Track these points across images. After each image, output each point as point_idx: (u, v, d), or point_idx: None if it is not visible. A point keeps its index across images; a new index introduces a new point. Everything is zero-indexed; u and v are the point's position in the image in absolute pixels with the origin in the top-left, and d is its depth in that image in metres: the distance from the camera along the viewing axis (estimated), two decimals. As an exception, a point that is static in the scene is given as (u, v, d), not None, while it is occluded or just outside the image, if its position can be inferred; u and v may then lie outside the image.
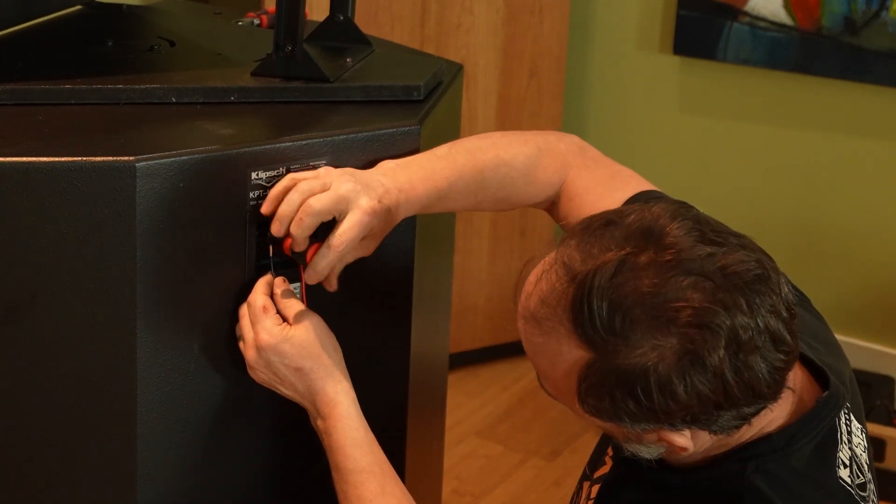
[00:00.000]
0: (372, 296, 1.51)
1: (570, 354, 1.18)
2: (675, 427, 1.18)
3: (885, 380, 3.14)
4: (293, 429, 1.51)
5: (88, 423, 1.38)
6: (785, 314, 1.18)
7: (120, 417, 1.38)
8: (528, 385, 3.39)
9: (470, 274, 3.35)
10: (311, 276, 1.36)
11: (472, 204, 1.48)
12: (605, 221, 1.21)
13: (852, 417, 1.32)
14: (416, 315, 1.58)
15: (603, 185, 1.48)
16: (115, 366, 1.36)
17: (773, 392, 1.19)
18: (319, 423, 1.39)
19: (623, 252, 1.16)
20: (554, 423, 3.20)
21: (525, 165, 1.49)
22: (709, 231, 1.18)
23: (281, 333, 1.36)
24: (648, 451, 1.25)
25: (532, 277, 1.22)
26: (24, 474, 1.39)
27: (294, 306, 1.39)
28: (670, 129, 3.43)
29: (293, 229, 1.33)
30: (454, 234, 1.98)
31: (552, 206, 1.54)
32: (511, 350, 3.51)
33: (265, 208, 1.36)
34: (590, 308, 1.15)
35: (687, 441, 1.20)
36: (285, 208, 1.33)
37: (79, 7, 1.92)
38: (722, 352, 1.13)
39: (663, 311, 1.13)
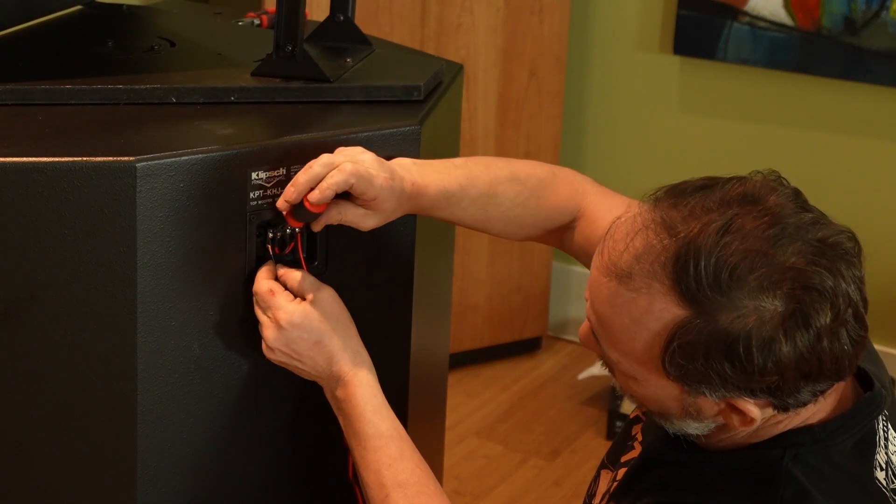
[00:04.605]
0: (372, 296, 1.51)
1: (664, 312, 1.17)
2: (754, 395, 1.18)
3: (885, 380, 3.14)
4: (295, 429, 1.51)
5: (88, 424, 1.38)
6: (863, 291, 1.20)
7: (120, 417, 1.38)
8: (528, 385, 3.39)
9: (470, 274, 3.35)
10: (295, 193, 1.33)
11: (482, 219, 1.48)
12: (701, 185, 1.21)
13: (889, 426, 1.32)
14: (416, 315, 1.58)
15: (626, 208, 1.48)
16: (115, 366, 1.36)
17: (850, 368, 1.20)
18: (338, 392, 1.39)
19: (729, 212, 1.17)
20: (554, 423, 3.20)
21: (537, 186, 1.50)
22: (805, 202, 1.22)
23: (298, 309, 1.37)
24: (699, 427, 1.25)
25: (620, 235, 1.22)
26: (23, 475, 1.39)
27: (305, 281, 1.39)
28: (670, 129, 3.43)
29: (315, 192, 1.32)
30: (454, 234, 1.98)
31: (566, 233, 1.54)
32: (511, 350, 3.51)
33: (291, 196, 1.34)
34: (696, 264, 1.15)
35: (758, 413, 1.20)
36: (303, 177, 1.33)
37: (79, 7, 1.92)
38: (828, 314, 1.15)
39: (770, 273, 1.14)
